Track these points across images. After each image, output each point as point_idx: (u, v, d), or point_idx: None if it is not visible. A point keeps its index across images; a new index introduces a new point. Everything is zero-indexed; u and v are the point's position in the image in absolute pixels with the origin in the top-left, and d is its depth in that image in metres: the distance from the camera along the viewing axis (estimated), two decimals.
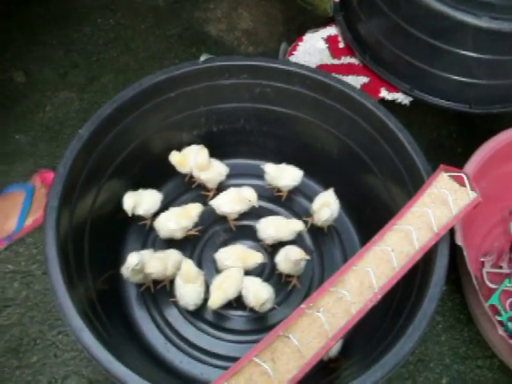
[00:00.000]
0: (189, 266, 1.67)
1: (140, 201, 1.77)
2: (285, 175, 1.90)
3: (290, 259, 1.66)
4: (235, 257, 1.73)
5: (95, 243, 1.64)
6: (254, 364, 1.25)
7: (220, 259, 1.74)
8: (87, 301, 1.48)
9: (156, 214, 1.84)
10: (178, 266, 1.68)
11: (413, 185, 1.61)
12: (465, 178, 1.53)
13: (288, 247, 1.72)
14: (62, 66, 2.48)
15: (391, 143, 1.68)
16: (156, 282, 1.75)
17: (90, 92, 2.40)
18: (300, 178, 1.91)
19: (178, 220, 1.77)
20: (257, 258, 1.72)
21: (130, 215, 1.74)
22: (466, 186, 1.54)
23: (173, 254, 1.72)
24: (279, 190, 1.96)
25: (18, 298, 1.90)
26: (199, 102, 1.85)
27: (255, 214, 1.87)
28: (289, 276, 1.79)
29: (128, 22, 2.65)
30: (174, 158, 1.87)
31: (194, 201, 1.90)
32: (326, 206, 1.81)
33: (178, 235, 1.81)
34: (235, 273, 1.69)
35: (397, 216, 1.51)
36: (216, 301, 1.63)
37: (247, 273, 1.73)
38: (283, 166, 1.90)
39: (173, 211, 1.80)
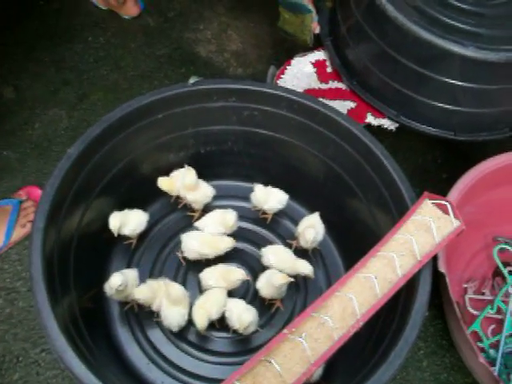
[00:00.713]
0: (176, 289, 1.67)
1: (126, 221, 1.77)
2: (271, 198, 1.90)
3: (274, 284, 1.66)
4: (218, 275, 1.73)
5: (81, 262, 1.64)
6: None
7: (204, 279, 1.75)
8: (71, 320, 1.48)
9: (142, 234, 1.85)
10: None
11: (397, 211, 1.62)
12: (448, 206, 1.54)
13: (269, 272, 1.73)
14: (52, 82, 2.49)
15: (376, 170, 1.69)
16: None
17: (80, 110, 2.41)
18: (285, 201, 1.91)
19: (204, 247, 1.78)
20: (238, 274, 1.72)
21: (115, 235, 1.74)
22: (449, 214, 1.55)
23: (164, 286, 1.69)
24: (264, 213, 1.97)
25: (1, 314, 1.89)
26: (187, 123, 1.86)
27: (241, 235, 1.89)
28: (272, 299, 1.80)
29: (118, 41, 2.67)
30: (164, 183, 1.87)
31: (179, 222, 1.93)
32: (311, 227, 1.82)
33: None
34: (217, 293, 1.69)
35: (380, 243, 1.51)
36: (201, 321, 1.63)
37: (231, 294, 1.74)
38: (269, 188, 1.91)
39: (204, 239, 1.80)
